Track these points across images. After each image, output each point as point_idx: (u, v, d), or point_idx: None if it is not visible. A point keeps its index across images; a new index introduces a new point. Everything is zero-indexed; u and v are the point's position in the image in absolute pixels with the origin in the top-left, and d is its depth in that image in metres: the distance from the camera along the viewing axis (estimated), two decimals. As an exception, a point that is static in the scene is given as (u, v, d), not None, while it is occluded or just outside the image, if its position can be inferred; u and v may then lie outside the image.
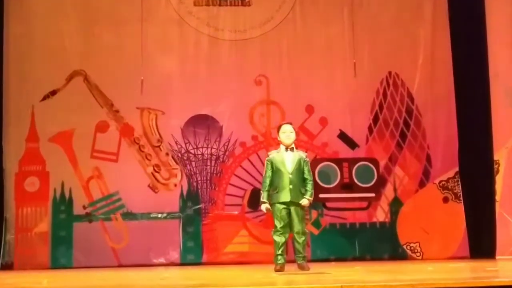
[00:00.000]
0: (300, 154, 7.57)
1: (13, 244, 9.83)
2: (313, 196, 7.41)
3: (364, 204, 10.41)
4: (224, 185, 10.29)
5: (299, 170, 7.45)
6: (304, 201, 7.36)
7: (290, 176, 7.38)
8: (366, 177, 10.43)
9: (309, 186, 7.42)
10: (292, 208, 7.37)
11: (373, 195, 10.41)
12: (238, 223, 10.18)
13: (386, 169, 10.49)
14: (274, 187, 7.47)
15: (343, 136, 10.45)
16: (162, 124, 10.30)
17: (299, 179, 7.45)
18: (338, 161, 10.41)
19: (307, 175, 7.48)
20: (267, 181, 7.41)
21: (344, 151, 10.43)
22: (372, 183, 10.41)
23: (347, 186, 10.37)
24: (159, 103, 10.30)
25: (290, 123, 7.64)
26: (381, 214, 10.43)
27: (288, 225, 7.37)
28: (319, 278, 6.70)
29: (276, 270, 7.31)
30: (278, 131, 7.60)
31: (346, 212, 10.33)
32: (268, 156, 7.60)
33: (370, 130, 10.48)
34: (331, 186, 10.31)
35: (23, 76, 10.17)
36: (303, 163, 7.49)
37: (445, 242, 10.31)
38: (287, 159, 7.45)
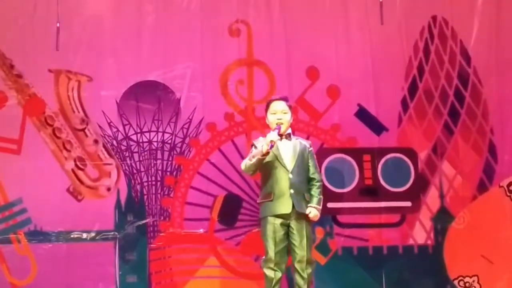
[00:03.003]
0: (301, 142, 7.12)
1: None
2: (321, 204, 7.08)
3: (395, 218, 9.32)
4: (183, 189, 9.17)
5: (302, 167, 6.99)
6: (313, 212, 6.89)
7: (290, 176, 6.89)
8: (398, 177, 9.36)
9: (316, 189, 7.01)
10: (294, 224, 6.89)
11: (408, 204, 9.34)
12: (204, 247, 9.15)
13: (429, 165, 9.42)
14: (266, 193, 7.00)
15: (363, 115, 9.37)
16: (89, 96, 9.25)
17: (302, 180, 7.00)
18: (356, 153, 9.38)
19: (313, 173, 7.05)
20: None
21: (365, 138, 9.39)
22: (408, 186, 9.35)
23: (370, 191, 9.35)
24: (84, 64, 9.22)
25: (284, 99, 7.15)
26: (420, 234, 9.34)
27: (286, 251, 6.93)
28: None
29: None
30: (266, 109, 7.14)
31: (368, 230, 9.33)
32: (254, 144, 7.08)
33: (405, 105, 9.41)
34: (345, 190, 9.28)
35: None
36: (307, 156, 7.05)
37: None
38: (284, 151, 6.98)
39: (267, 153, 6.80)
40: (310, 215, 6.90)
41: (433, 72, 9.46)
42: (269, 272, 6.89)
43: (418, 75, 9.44)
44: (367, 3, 9.42)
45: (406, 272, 9.22)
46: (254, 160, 6.87)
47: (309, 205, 6.96)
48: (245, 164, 6.99)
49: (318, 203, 6.99)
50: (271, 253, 6.88)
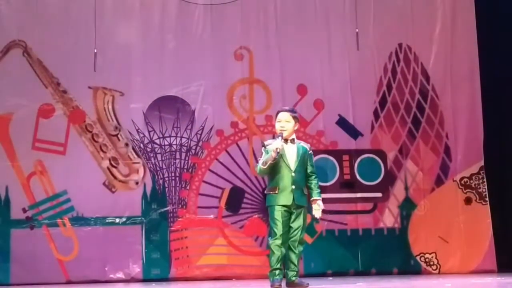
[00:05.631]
0: (303, 146, 7.59)
1: None
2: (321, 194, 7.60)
3: (369, 206, 10.18)
4: (197, 183, 9.99)
5: (302, 166, 7.49)
6: (317, 212, 7.53)
7: (293, 174, 7.40)
8: (371, 173, 10.20)
9: (316, 183, 7.56)
10: (295, 212, 7.41)
11: (379, 195, 10.20)
12: (214, 229, 9.94)
13: (396, 164, 10.26)
14: (272, 186, 7.45)
15: (343, 123, 10.22)
16: (121, 108, 10.04)
17: (302, 177, 7.50)
18: (337, 154, 10.21)
19: (312, 170, 7.57)
20: None
21: (344, 141, 10.22)
22: (379, 180, 10.20)
23: (348, 184, 10.16)
24: (117, 82, 10.04)
25: (288, 110, 7.62)
26: (389, 219, 10.18)
27: (288, 233, 7.42)
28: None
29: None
30: (275, 117, 7.61)
31: (347, 216, 10.12)
32: (264, 144, 7.52)
33: (376, 115, 10.27)
34: (328, 184, 10.04)
35: None
36: (306, 157, 7.54)
37: (467, 252, 10.09)
38: (288, 153, 7.45)
39: (275, 158, 7.24)
40: (316, 215, 7.50)
41: (399, 89, 10.25)
42: (276, 250, 7.33)
43: (387, 91, 10.23)
44: (346, 33, 10.16)
45: (377, 250, 9.94)
46: (267, 165, 7.31)
47: (312, 198, 7.48)
48: (259, 169, 7.43)
49: (319, 195, 7.52)
50: (278, 232, 7.35)
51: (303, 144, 7.64)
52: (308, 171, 7.57)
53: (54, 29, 9.99)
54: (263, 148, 7.49)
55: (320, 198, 7.51)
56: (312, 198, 7.48)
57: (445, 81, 10.33)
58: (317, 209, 7.48)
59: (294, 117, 7.50)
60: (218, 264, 9.88)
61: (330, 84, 10.26)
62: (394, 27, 10.35)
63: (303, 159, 7.50)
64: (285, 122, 7.45)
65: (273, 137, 7.75)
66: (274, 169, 7.37)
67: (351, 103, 10.24)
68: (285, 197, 7.39)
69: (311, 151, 7.67)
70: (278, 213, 7.37)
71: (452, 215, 10.14)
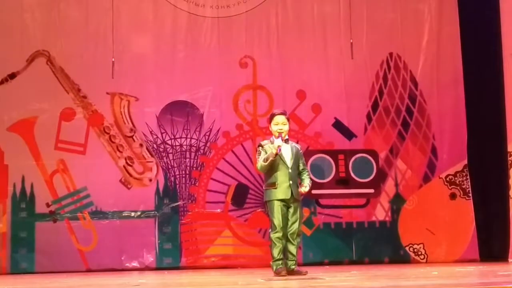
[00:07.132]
0: (295, 146, 7.82)
1: (-34, 247, 9.86)
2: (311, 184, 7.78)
3: (362, 201, 10.52)
4: (205, 180, 10.36)
5: (296, 164, 7.72)
6: (305, 189, 7.61)
7: (290, 171, 7.62)
8: (364, 171, 10.52)
9: (307, 176, 7.73)
10: (292, 206, 7.62)
11: (372, 191, 10.53)
12: (220, 222, 10.28)
13: (387, 162, 10.61)
14: (270, 182, 7.65)
15: (338, 125, 10.55)
16: (136, 112, 10.38)
17: (296, 173, 7.73)
18: (333, 153, 10.54)
19: (303, 168, 7.79)
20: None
21: (340, 142, 10.54)
22: (371, 177, 10.52)
23: (343, 181, 10.48)
24: (132, 88, 10.37)
25: (283, 113, 7.76)
26: (381, 213, 10.53)
27: (286, 225, 7.61)
28: (311, 284, 6.68)
29: (283, 275, 7.49)
30: (270, 120, 7.78)
31: (342, 210, 10.46)
32: (261, 144, 7.72)
33: (369, 118, 10.59)
34: (325, 181, 10.43)
35: (-23, 57, 10.19)
36: (299, 156, 7.77)
37: (452, 243, 10.42)
38: (285, 152, 7.65)
39: (277, 154, 7.46)
40: (302, 191, 7.64)
41: (390, 94, 10.56)
42: (278, 242, 7.53)
43: (379, 96, 10.54)
44: (341, 43, 10.50)
45: (370, 241, 10.29)
46: (268, 162, 7.50)
47: (303, 185, 7.68)
48: (260, 165, 7.61)
49: (309, 184, 7.69)
50: (278, 225, 7.53)
51: (295, 144, 7.92)
52: (301, 168, 7.81)
53: (75, 40, 10.34)
54: (260, 147, 7.71)
55: (309, 187, 7.73)
56: (303, 185, 7.73)
57: (432, 87, 10.67)
58: (305, 189, 7.70)
59: (288, 119, 7.75)
60: (225, 254, 10.21)
61: (326, 90, 10.59)
62: (385, 38, 10.66)
63: (296, 157, 7.75)
64: (282, 125, 7.66)
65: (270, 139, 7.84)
66: (272, 166, 7.60)
67: (346, 107, 10.56)
68: (283, 192, 7.61)
69: (301, 151, 7.93)
70: (278, 208, 7.59)
71: (438, 209, 10.45)
